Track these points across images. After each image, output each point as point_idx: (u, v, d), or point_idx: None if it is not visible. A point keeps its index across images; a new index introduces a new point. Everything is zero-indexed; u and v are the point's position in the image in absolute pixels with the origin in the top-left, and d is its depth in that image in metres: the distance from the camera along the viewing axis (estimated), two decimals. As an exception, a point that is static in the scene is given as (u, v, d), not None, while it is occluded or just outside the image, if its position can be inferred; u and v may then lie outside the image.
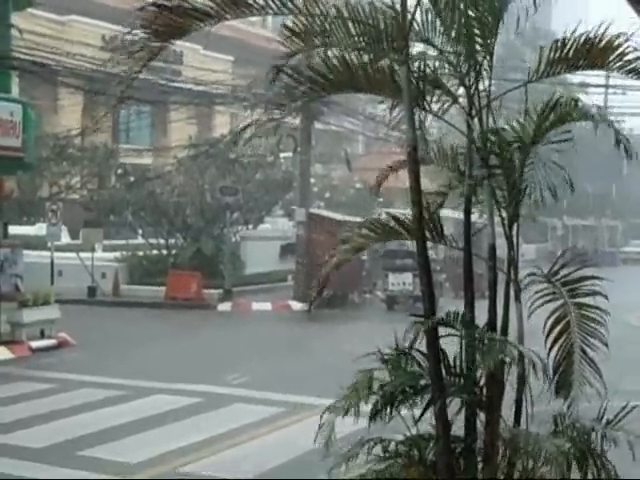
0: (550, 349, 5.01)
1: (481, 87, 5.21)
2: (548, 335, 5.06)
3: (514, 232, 5.29)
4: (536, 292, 5.12)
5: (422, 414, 4.99)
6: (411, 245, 5.32)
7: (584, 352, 4.93)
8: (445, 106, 5.43)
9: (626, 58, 5.12)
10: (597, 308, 5.07)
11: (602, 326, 5.04)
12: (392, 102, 5.33)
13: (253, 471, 9.28)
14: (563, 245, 49.25)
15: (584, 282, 5.15)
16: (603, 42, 5.06)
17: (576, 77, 34.45)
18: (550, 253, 43.49)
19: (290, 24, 5.00)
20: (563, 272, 5.20)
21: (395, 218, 5.30)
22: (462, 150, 5.45)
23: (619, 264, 49.58)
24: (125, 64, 4.94)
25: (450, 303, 5.46)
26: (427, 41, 5.23)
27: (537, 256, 41.00)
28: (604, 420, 5.21)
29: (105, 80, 20.75)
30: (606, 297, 5.09)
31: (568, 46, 5.14)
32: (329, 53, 5.16)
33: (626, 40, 5.07)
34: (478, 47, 5.15)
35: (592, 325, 5.03)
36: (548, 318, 5.07)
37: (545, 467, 4.80)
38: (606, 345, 5.01)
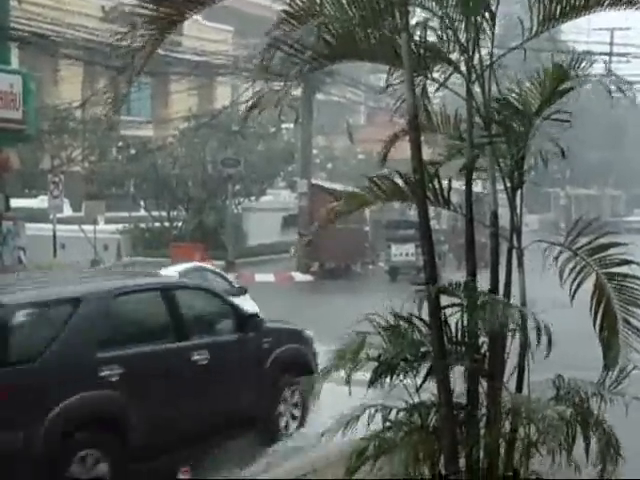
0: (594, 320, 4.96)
1: (484, 53, 5.16)
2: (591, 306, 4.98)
3: (517, 200, 5.27)
4: (559, 264, 5.01)
5: (423, 381, 5.00)
6: (414, 216, 5.31)
7: (627, 322, 4.90)
8: (446, 74, 5.38)
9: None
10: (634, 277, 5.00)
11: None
12: (392, 70, 5.30)
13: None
14: (566, 215, 49.16)
15: (610, 251, 5.06)
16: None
17: (580, 45, 34.23)
18: (552, 223, 43.42)
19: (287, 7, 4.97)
20: (584, 241, 5.11)
21: (401, 175, 5.26)
22: (465, 117, 5.40)
23: (622, 233, 49.49)
24: (127, 37, 4.91)
25: (453, 274, 5.44)
26: (426, 7, 5.17)
27: (540, 226, 40.95)
28: (605, 385, 5.22)
29: (105, 51, 20.63)
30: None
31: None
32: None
33: None
34: (479, 13, 5.09)
35: (630, 293, 4.96)
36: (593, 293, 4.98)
37: (547, 434, 4.82)
38: None
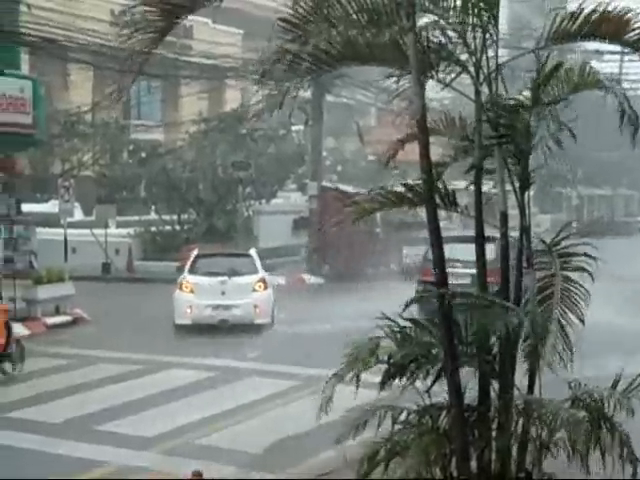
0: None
1: (491, 54, 5.15)
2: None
3: (526, 200, 5.25)
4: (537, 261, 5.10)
5: (434, 382, 4.98)
6: (425, 217, 5.29)
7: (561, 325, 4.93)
8: (453, 75, 5.37)
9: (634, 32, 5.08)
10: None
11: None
12: (400, 72, 5.28)
13: (263, 444, 9.32)
14: (578, 215, 49.01)
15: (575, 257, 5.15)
16: (613, 14, 5.02)
17: (591, 44, 34.01)
18: (564, 224, 43.19)
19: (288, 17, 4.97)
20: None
21: (405, 184, 5.26)
22: (472, 119, 5.39)
23: (636, 233, 49.36)
24: (136, 41, 4.93)
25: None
26: (432, 12, 5.17)
27: (552, 226, 40.81)
28: (619, 388, 5.19)
29: (115, 55, 20.67)
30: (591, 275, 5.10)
31: (581, 18, 5.08)
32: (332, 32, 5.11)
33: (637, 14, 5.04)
34: (484, 15, 5.08)
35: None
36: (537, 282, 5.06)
37: (559, 435, 4.79)
38: (582, 322, 5.02)
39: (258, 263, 17.94)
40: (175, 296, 17.47)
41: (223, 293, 17.07)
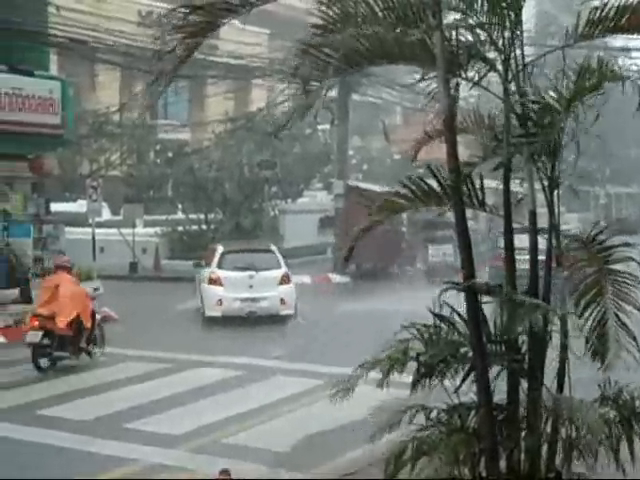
0: (581, 314, 4.94)
1: (519, 53, 5.13)
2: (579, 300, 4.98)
3: (555, 198, 5.22)
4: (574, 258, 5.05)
5: (463, 381, 4.97)
6: (451, 216, 5.28)
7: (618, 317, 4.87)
8: (481, 73, 5.35)
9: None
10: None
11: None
12: (426, 71, 5.28)
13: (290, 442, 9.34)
14: (607, 214, 48.57)
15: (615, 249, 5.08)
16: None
17: (617, 41, 33.69)
18: (592, 222, 42.85)
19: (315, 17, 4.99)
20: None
21: (435, 176, 5.24)
22: (499, 119, 5.38)
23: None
24: (177, 43, 4.97)
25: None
26: (459, 10, 5.16)
27: (580, 225, 40.46)
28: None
29: (142, 56, 20.79)
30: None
31: (607, 10, 5.04)
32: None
33: None
34: (510, 14, 5.07)
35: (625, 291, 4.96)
36: (581, 282, 5.00)
37: (590, 435, 4.76)
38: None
39: (280, 258, 18.89)
40: (204, 290, 18.36)
41: (251, 287, 18.03)
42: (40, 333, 13.19)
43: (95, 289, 17.45)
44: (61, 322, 13.26)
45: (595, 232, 5.14)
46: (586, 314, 4.95)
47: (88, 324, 13.62)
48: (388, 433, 5.19)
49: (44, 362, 13.30)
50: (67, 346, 13.43)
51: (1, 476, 8.38)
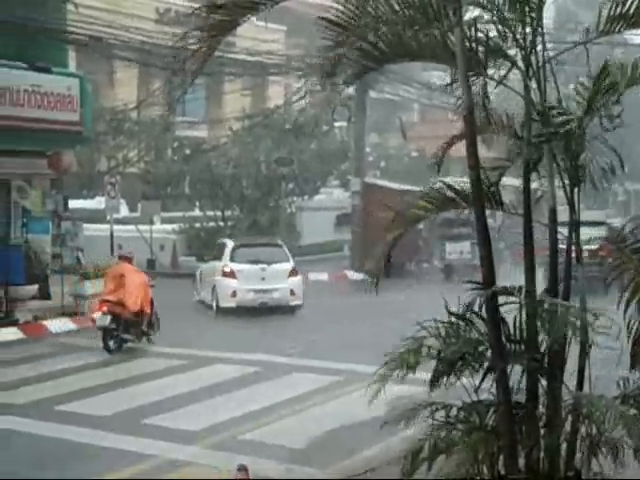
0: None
1: (539, 49, 5.10)
2: (627, 306, 4.89)
3: (575, 196, 5.19)
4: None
5: (482, 379, 4.95)
6: (468, 213, 5.26)
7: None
8: (501, 70, 5.33)
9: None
10: None
11: None
12: (449, 68, 5.26)
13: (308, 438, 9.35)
14: (626, 211, 48.22)
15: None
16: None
17: (637, 39, 33.40)
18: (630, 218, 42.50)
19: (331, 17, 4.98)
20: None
21: (451, 187, 5.23)
22: (520, 117, 5.35)
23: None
24: (198, 40, 4.99)
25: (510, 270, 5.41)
26: (480, 5, 5.14)
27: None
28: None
29: (160, 53, 20.84)
30: None
31: (629, 3, 5.00)
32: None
33: None
34: (532, 11, 5.04)
35: None
36: (626, 289, 4.90)
37: (610, 433, 4.73)
38: None
39: (288, 252, 19.93)
40: (218, 282, 19.16)
41: (263, 279, 19.06)
42: (109, 317, 14.22)
43: None
44: (132, 307, 14.36)
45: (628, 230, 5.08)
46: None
47: (148, 310, 14.76)
48: (407, 430, 5.18)
49: (112, 344, 14.28)
50: (131, 330, 14.55)
51: (12, 468, 8.43)
